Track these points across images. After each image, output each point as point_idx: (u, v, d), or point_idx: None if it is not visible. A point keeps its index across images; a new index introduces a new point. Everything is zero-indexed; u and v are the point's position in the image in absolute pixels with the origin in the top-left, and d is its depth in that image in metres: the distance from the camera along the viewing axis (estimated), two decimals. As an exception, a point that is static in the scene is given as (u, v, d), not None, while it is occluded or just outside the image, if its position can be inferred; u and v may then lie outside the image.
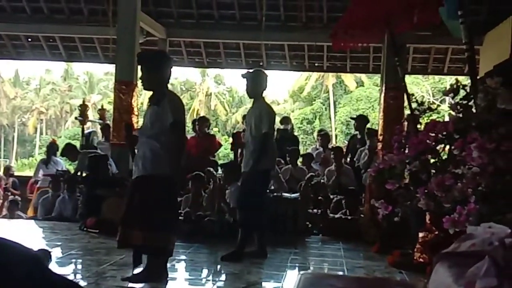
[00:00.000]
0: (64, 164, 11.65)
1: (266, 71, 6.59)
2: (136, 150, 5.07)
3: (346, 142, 12.26)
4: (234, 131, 12.31)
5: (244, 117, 10.52)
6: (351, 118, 12.00)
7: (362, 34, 6.35)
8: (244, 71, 6.58)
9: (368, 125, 10.90)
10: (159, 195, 4.85)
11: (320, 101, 45.29)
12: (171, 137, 4.83)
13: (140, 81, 5.18)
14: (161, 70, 5.04)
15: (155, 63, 5.06)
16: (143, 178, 4.92)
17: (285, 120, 11.41)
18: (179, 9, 12.50)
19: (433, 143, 3.91)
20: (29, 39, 14.13)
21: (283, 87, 62.45)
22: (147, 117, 4.99)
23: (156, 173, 4.85)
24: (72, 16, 12.69)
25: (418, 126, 5.09)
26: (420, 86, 39.21)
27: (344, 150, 10.66)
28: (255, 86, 6.36)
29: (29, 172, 20.34)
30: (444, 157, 4.00)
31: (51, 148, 11.40)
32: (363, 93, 42.05)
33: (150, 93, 5.20)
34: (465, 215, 3.24)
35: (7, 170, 13.14)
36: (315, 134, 19.73)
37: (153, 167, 4.86)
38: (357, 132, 10.79)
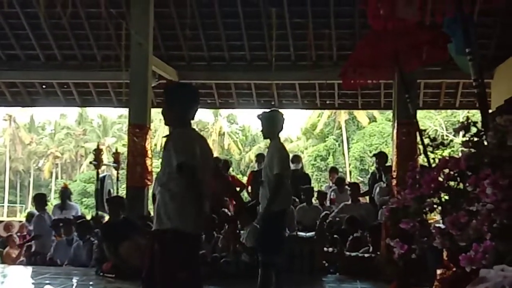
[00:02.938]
0: (79, 208, 11.66)
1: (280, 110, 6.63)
2: None
3: (360, 179, 12.30)
4: (254, 170, 12.33)
5: (256, 156, 10.56)
6: (374, 155, 12.04)
7: (371, 72, 6.37)
8: (256, 110, 6.62)
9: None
10: (169, 253, 4.08)
11: (333, 138, 45.38)
12: (179, 184, 4.08)
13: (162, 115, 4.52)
14: (181, 104, 4.31)
15: (175, 96, 4.38)
16: (156, 232, 4.20)
17: (296, 159, 11.36)
18: (190, 52, 12.68)
19: (446, 181, 3.89)
20: (44, 86, 14.35)
21: (296, 124, 62.64)
22: (161, 162, 4.31)
23: (165, 228, 4.10)
24: (85, 62, 12.92)
25: (431, 161, 5.07)
26: (433, 120, 39.21)
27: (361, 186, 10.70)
28: (270, 127, 6.34)
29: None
30: (457, 187, 3.96)
31: (64, 193, 11.37)
32: (376, 128, 42.13)
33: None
34: (481, 253, 3.21)
35: (32, 217, 12.93)
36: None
37: (161, 221, 4.12)
38: (376, 169, 10.83)
